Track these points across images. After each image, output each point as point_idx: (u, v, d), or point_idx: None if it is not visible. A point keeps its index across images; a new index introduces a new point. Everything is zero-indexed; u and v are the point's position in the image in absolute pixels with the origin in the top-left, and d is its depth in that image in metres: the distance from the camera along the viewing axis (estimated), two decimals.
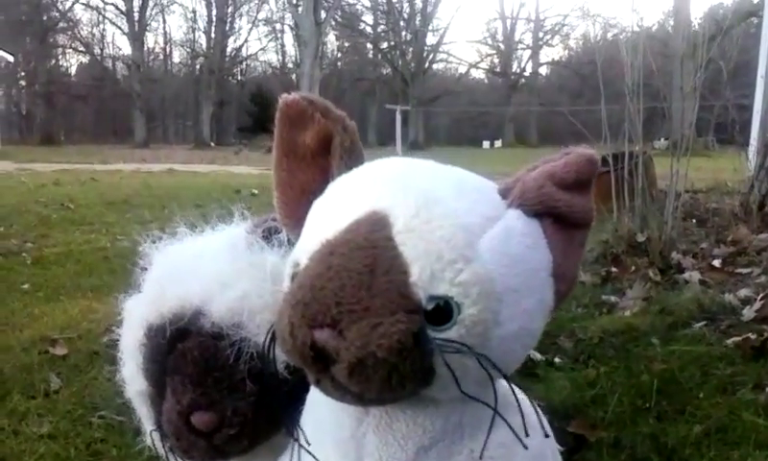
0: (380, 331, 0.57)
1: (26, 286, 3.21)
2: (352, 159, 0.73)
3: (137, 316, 0.85)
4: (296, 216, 0.75)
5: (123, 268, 3.63)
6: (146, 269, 0.89)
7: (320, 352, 0.58)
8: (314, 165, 0.75)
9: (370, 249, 0.60)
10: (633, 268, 3.08)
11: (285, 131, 0.74)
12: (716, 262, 3.19)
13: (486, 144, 31.02)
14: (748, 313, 2.30)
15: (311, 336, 0.58)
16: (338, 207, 0.67)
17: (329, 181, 0.74)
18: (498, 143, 31.56)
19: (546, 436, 0.75)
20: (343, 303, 0.58)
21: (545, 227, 0.67)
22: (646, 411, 1.66)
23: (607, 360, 1.99)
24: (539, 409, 0.75)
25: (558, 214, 0.67)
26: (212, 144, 29.14)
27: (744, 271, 3.00)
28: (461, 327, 0.60)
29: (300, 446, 0.71)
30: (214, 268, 0.81)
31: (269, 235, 0.85)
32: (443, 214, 0.62)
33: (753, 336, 2.01)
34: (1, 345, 2.28)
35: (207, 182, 9.98)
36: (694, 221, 4.31)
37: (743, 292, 2.56)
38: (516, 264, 0.64)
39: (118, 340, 0.93)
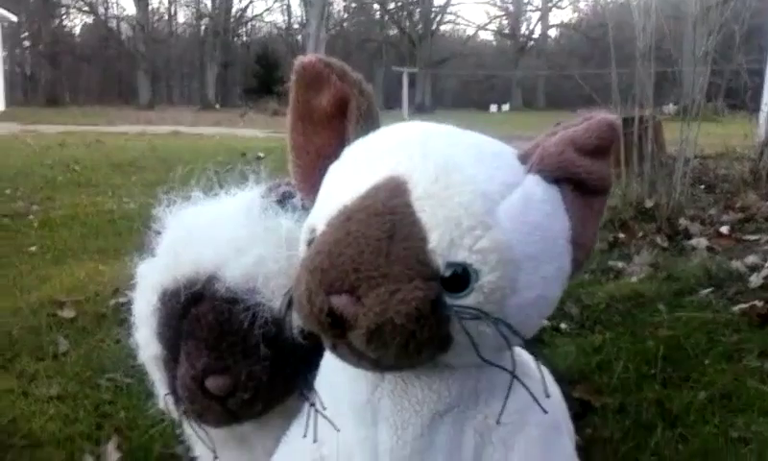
0: (398, 298, 0.57)
1: (33, 248, 3.22)
2: (369, 123, 0.72)
3: (151, 281, 0.85)
4: (311, 181, 0.74)
5: (129, 230, 3.67)
6: (159, 233, 0.88)
7: (337, 319, 0.58)
8: (330, 129, 0.74)
9: (388, 215, 0.60)
10: (640, 234, 3.07)
11: (301, 93, 0.74)
12: (724, 229, 3.18)
13: (493, 108, 30.74)
14: (755, 280, 2.30)
15: (329, 302, 0.58)
16: (356, 173, 0.66)
17: (345, 146, 0.73)
18: (506, 107, 31.26)
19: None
20: (361, 270, 0.58)
21: (564, 193, 0.67)
22: (651, 377, 1.66)
23: (613, 326, 1.99)
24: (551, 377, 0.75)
25: (577, 180, 0.67)
26: (217, 106, 28.97)
27: (752, 237, 3.00)
28: (479, 294, 0.60)
29: (317, 410, 0.71)
30: (229, 233, 0.81)
31: (283, 200, 0.84)
32: (462, 181, 0.62)
33: (759, 304, 2.01)
34: (10, 307, 2.29)
35: (213, 145, 9.94)
36: (702, 187, 4.29)
37: (750, 259, 2.55)
38: (534, 231, 0.63)
39: (129, 304, 0.93)
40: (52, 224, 3.82)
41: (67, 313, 2.23)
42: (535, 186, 0.65)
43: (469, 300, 0.60)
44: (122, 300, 2.34)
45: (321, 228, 0.64)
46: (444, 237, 0.59)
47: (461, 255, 0.59)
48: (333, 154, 0.73)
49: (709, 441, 1.39)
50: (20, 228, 3.69)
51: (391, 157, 0.64)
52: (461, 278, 0.60)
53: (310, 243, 0.66)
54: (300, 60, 0.73)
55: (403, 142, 0.67)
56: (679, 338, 1.85)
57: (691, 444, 1.38)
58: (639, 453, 1.36)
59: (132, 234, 3.60)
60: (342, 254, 0.59)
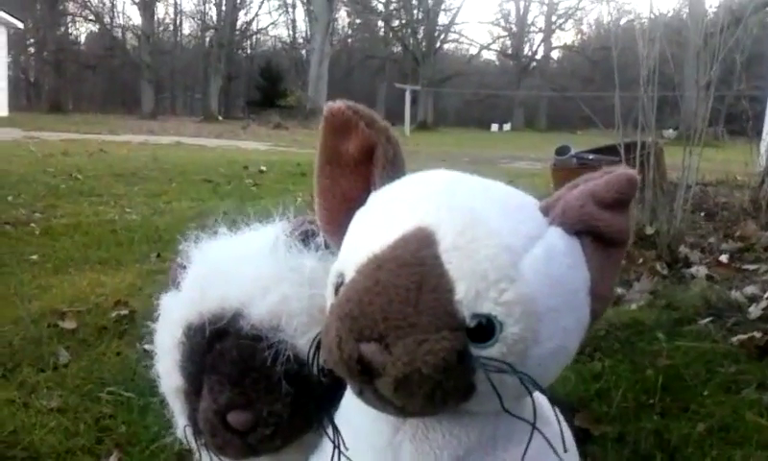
0: (426, 348, 0.58)
1: (34, 257, 3.22)
2: (394, 170, 0.74)
3: (176, 315, 0.86)
4: (336, 223, 0.76)
5: (130, 241, 3.67)
6: (184, 267, 0.89)
7: (365, 366, 0.60)
8: (356, 173, 0.76)
9: (417, 266, 0.61)
10: (640, 260, 3.08)
11: (329, 138, 0.75)
12: (723, 257, 3.19)
13: (495, 127, 30.87)
14: (754, 311, 2.30)
15: (358, 350, 0.60)
16: (384, 221, 0.68)
17: (371, 191, 0.75)
18: (507, 126, 31.40)
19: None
20: (390, 319, 0.59)
21: (584, 245, 0.68)
22: (650, 407, 1.67)
23: (612, 353, 2.00)
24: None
25: (597, 233, 0.68)
26: (220, 118, 29.06)
27: (751, 267, 3.00)
28: (502, 346, 0.62)
29: (341, 452, 0.72)
30: (255, 271, 0.82)
31: (306, 238, 0.86)
32: (487, 233, 0.63)
33: (758, 335, 2.01)
34: (11, 316, 2.30)
35: (215, 157, 9.97)
36: (703, 214, 4.30)
37: (750, 289, 2.56)
38: (557, 284, 0.65)
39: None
40: (53, 232, 3.83)
41: (68, 324, 2.24)
42: (557, 239, 0.67)
43: (494, 351, 0.62)
44: (123, 312, 2.35)
45: (350, 274, 0.66)
46: (471, 289, 0.61)
47: (486, 307, 0.61)
48: (359, 198, 0.75)
49: None
50: (22, 235, 3.70)
51: (419, 208, 0.66)
52: (486, 328, 0.61)
53: (338, 287, 0.68)
54: (329, 105, 0.74)
55: (431, 193, 0.68)
56: (678, 368, 1.85)
57: None
58: None
59: (134, 246, 3.61)
60: (372, 303, 0.60)
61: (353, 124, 0.73)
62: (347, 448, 0.73)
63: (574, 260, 0.67)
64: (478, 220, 0.64)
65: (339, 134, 0.75)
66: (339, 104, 0.74)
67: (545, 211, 0.69)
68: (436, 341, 0.58)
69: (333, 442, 0.73)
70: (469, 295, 0.61)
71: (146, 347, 1.99)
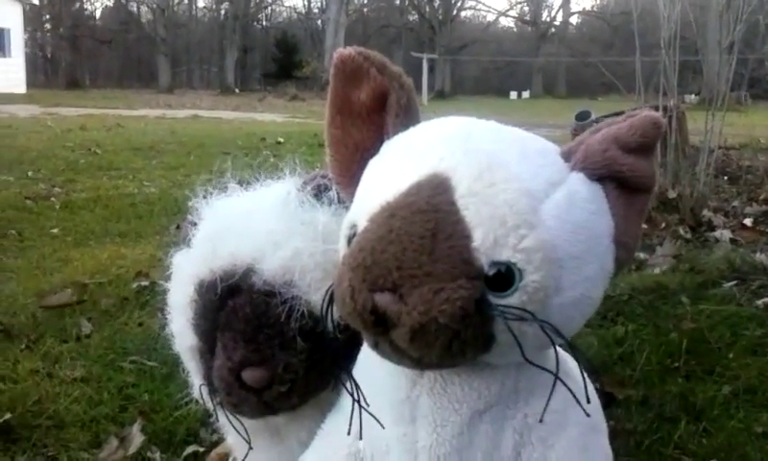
0: (442, 297, 0.56)
1: (55, 230, 3.25)
2: (408, 117, 0.72)
3: (187, 272, 0.85)
4: (349, 174, 0.74)
5: (149, 214, 3.69)
6: (195, 224, 0.88)
7: (380, 316, 0.58)
8: (369, 122, 0.73)
9: (432, 213, 0.59)
10: (663, 225, 3.05)
11: (339, 87, 0.73)
12: (747, 221, 3.16)
13: (513, 95, 30.57)
14: None
15: (372, 300, 0.58)
16: (397, 168, 0.65)
17: (384, 140, 0.72)
18: (526, 94, 31.07)
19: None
20: (404, 268, 0.57)
21: (608, 191, 0.66)
22: (675, 370, 1.65)
23: (635, 318, 1.98)
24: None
25: (621, 178, 0.66)
26: (237, 90, 29.04)
27: None
28: (522, 294, 0.60)
29: (361, 406, 0.71)
30: (266, 226, 0.81)
31: (319, 193, 0.84)
32: (506, 178, 0.61)
33: None
34: (34, 288, 2.31)
35: (232, 130, 9.97)
36: (726, 178, 4.25)
37: None
38: (579, 230, 0.63)
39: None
40: (73, 206, 3.86)
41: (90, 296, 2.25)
42: (579, 185, 0.64)
43: (513, 299, 0.59)
44: (143, 283, 2.36)
45: (362, 224, 0.63)
46: (489, 236, 0.59)
47: (505, 254, 0.59)
48: (372, 148, 0.72)
49: (734, 435, 1.38)
50: (42, 210, 3.73)
51: (433, 154, 0.64)
52: (505, 276, 0.59)
53: (351, 239, 0.66)
54: (339, 52, 0.72)
55: (445, 138, 0.66)
56: (702, 331, 1.83)
57: (715, 438, 1.37)
58: (663, 447, 1.36)
59: (153, 218, 3.63)
60: (385, 252, 0.58)
61: (364, 70, 0.71)
62: (368, 404, 0.71)
63: (597, 207, 0.65)
64: (496, 164, 0.62)
65: (350, 82, 0.72)
66: (349, 50, 0.71)
67: (567, 156, 0.67)
68: (453, 290, 0.56)
69: (353, 396, 0.71)
70: (487, 242, 0.58)
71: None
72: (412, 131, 0.70)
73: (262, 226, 0.81)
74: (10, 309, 2.11)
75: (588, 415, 0.68)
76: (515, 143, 0.66)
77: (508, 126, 0.70)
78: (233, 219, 0.84)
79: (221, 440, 1.35)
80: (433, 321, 0.56)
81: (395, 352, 0.61)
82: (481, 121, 0.70)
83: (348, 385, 0.72)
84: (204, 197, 0.89)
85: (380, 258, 0.58)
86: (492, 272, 0.59)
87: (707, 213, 3.18)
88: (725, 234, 2.87)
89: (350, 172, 0.73)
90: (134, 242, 3.08)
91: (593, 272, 0.64)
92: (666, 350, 1.73)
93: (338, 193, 0.81)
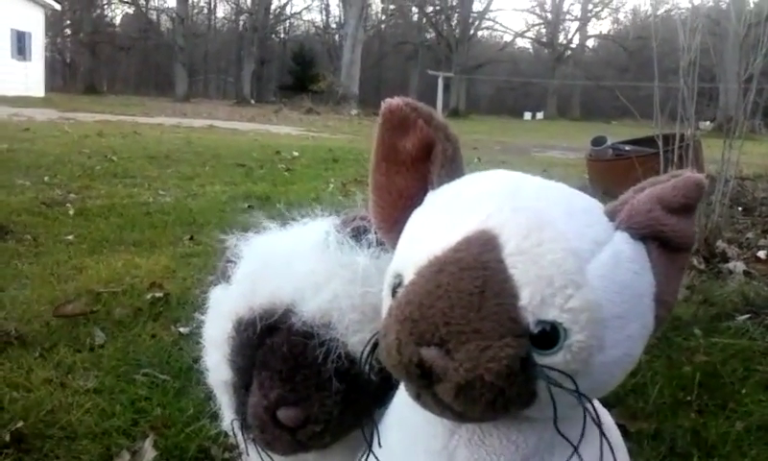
0: (489, 355, 0.57)
1: (70, 237, 3.27)
2: (453, 169, 0.73)
3: (226, 308, 0.86)
4: (391, 220, 0.75)
5: (164, 224, 3.71)
6: (234, 262, 0.89)
7: (425, 370, 0.59)
8: (413, 171, 0.74)
9: (480, 270, 0.60)
10: None
11: (386, 135, 0.74)
12: (762, 253, 3.14)
13: (527, 115, 30.62)
14: None
15: (418, 354, 0.58)
16: (445, 221, 0.66)
17: (427, 190, 0.73)
18: (540, 115, 31.12)
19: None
20: (452, 324, 0.58)
21: (650, 250, 0.67)
22: (687, 404, 1.65)
23: (648, 349, 1.95)
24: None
25: (663, 238, 0.67)
26: (252, 101, 29.19)
27: None
28: (566, 353, 0.60)
29: (371, 452, 0.72)
30: (306, 267, 0.82)
31: (358, 235, 0.85)
32: (553, 238, 0.61)
33: None
34: (48, 296, 2.33)
35: (248, 141, 10.02)
36: (741, 209, 4.23)
37: None
38: (623, 291, 0.63)
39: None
40: (88, 213, 3.89)
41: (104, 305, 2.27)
42: (623, 244, 0.65)
43: (557, 358, 0.60)
44: (157, 294, 2.38)
45: (408, 275, 0.64)
46: (536, 295, 0.59)
47: (552, 314, 0.59)
48: (415, 196, 0.73)
49: None
50: (57, 216, 3.75)
51: (481, 209, 0.64)
52: (550, 336, 0.60)
53: (395, 288, 0.66)
54: (388, 102, 0.73)
55: (493, 193, 0.66)
56: (715, 365, 1.83)
57: None
58: None
59: (167, 228, 3.65)
60: (433, 307, 0.59)
61: (411, 121, 0.72)
62: (380, 446, 0.72)
63: (641, 266, 0.65)
64: (544, 222, 0.62)
65: (396, 132, 0.73)
66: (397, 100, 0.72)
67: (611, 215, 0.67)
68: (499, 348, 0.57)
69: (369, 443, 0.72)
70: (534, 301, 0.59)
71: (181, 330, 2.03)
72: (459, 183, 0.71)
73: (302, 267, 0.82)
74: (24, 316, 2.12)
75: None
76: (561, 201, 0.67)
77: (553, 181, 0.71)
78: (273, 258, 0.85)
79: (233, 458, 1.36)
80: (479, 378, 0.57)
81: (437, 405, 0.62)
82: (527, 176, 0.71)
83: (365, 430, 0.72)
84: (242, 236, 0.90)
85: (428, 313, 0.59)
86: (537, 330, 0.59)
87: (720, 244, 3.16)
88: (738, 266, 2.86)
89: (392, 218, 0.75)
90: (149, 252, 3.09)
91: (635, 331, 0.65)
92: (679, 383, 1.73)
93: (377, 236, 0.82)
